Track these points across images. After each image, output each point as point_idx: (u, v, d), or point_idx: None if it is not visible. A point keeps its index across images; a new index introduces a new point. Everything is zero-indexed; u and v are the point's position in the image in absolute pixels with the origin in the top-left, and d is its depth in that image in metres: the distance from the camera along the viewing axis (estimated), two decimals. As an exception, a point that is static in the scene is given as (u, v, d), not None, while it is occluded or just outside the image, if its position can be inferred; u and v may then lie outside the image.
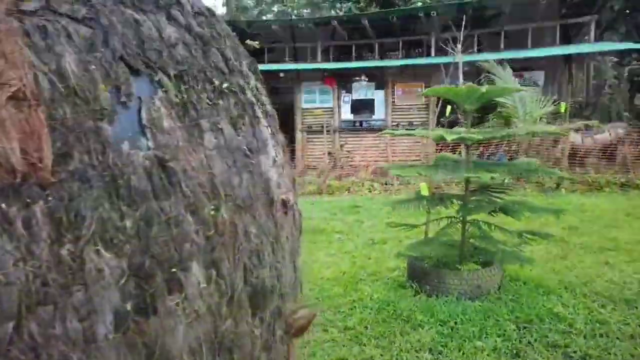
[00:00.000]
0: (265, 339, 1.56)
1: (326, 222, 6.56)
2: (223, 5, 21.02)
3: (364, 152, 12.16)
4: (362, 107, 13.39)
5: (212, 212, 1.24)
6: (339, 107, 13.28)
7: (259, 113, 2.12)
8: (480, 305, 3.63)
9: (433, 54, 13.82)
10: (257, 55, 13.60)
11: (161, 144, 1.14)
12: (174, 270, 1.13)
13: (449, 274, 3.83)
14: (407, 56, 15.48)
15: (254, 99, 2.09)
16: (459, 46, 7.62)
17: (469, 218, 3.99)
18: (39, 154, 0.90)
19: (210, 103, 1.33)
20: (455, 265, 3.94)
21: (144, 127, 1.13)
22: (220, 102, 1.41)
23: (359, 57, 15.72)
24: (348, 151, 11.85)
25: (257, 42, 11.04)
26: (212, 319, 1.22)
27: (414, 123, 13.01)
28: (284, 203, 1.93)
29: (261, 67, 12.03)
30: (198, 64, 1.35)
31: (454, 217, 4.00)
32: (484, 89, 3.41)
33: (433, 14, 12.70)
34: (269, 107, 2.26)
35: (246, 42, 10.86)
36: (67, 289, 0.95)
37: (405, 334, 3.25)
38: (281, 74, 12.29)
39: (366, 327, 3.42)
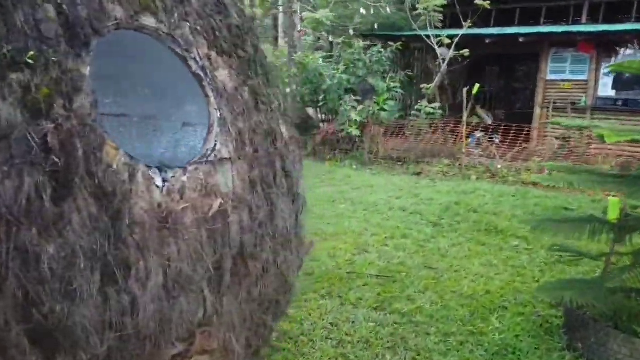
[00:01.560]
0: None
1: (512, 221, 5.44)
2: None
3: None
4: (631, 82, 10.51)
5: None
6: (597, 80, 10.71)
7: (209, 91, 1.72)
8: (652, 399, 2.44)
9: None
10: (505, 17, 12.05)
11: None
12: None
13: (615, 337, 2.67)
14: None
15: (201, 73, 1.71)
16: None
17: (668, 264, 2.67)
18: None
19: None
20: (633, 327, 2.72)
21: None
22: (13, 76, 1.10)
23: (647, 17, 12.31)
24: (589, 136, 9.51)
25: (487, 2, 9.60)
26: None
27: None
28: (170, 215, 1.49)
29: (490, 30, 10.47)
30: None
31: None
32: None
33: None
34: (229, 85, 1.82)
35: (474, 2, 9.64)
36: None
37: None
38: (521, 39, 10.51)
39: (465, 374, 2.71)
